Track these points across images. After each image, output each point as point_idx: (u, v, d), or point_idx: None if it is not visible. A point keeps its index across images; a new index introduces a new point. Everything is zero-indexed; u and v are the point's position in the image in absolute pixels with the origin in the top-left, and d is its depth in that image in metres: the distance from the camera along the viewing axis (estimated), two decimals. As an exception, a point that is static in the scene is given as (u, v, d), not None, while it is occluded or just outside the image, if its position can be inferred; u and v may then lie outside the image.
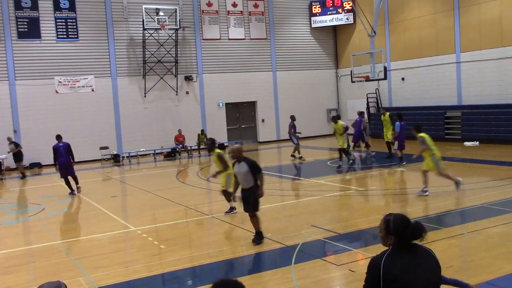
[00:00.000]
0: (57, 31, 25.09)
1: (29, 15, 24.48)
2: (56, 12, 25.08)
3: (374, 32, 25.15)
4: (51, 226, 11.87)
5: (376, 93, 29.27)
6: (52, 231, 11.33)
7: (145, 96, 27.09)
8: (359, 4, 26.79)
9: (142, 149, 26.57)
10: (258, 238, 9.16)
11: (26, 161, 23.78)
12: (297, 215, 11.47)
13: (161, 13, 26.42)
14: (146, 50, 26.67)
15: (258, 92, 30.14)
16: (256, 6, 30.04)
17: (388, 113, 20.31)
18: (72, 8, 25.36)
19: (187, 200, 13.95)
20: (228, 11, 29.28)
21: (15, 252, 9.93)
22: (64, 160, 16.05)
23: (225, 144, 24.96)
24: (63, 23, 25.24)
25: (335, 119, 19.22)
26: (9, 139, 21.91)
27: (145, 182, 18.04)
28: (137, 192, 16.34)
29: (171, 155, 26.12)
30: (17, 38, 24.24)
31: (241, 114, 30.23)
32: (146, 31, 26.39)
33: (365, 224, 10.14)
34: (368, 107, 29.32)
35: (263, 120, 30.39)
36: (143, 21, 26.01)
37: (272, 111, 30.52)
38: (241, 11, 29.61)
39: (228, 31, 29.26)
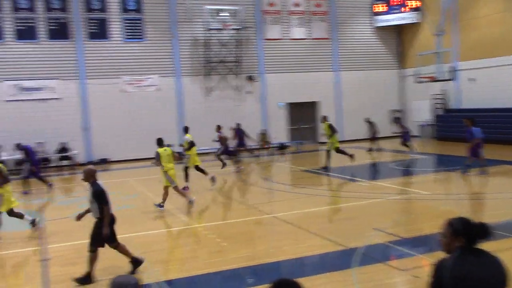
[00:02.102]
0: (124, 32, 25.96)
1: (98, 17, 25.47)
2: (124, 13, 25.96)
3: (442, 31, 24.33)
4: (117, 220, 12.24)
5: (442, 94, 28.31)
6: (117, 225, 11.68)
7: (207, 96, 27.51)
8: (425, 2, 26.02)
9: (202, 148, 26.97)
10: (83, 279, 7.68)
11: (95, 157, 24.84)
12: (359, 218, 11.27)
13: (223, 14, 26.76)
14: (208, 50, 27.10)
15: (320, 92, 29.89)
16: (318, 5, 29.80)
17: (328, 122, 19.05)
18: (138, 9, 26.15)
19: (248, 198, 14.03)
20: (290, 11, 29.22)
21: (83, 244, 10.31)
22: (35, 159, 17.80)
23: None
24: (130, 24, 26.08)
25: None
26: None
27: (206, 181, 18.28)
28: (199, 189, 16.58)
29: (232, 154, 26.32)
30: (88, 39, 25.27)
31: (303, 114, 30.08)
32: (208, 31, 26.82)
33: (430, 229, 9.81)
34: (434, 108, 28.41)
35: (324, 121, 30.07)
36: (206, 21, 26.45)
37: (334, 112, 30.19)
38: (303, 11, 29.47)
39: (289, 31, 29.21)
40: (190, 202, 12.91)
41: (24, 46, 24.32)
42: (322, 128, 18.87)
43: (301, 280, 3.02)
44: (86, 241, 10.65)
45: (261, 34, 28.53)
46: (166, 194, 12.92)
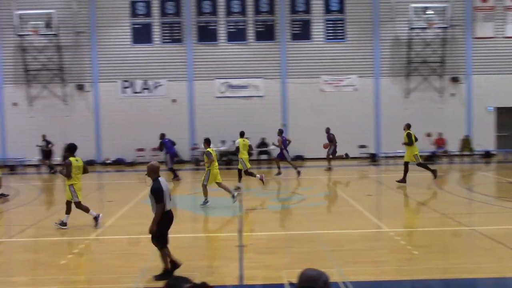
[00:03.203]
0: (326, 32, 26.47)
1: (302, 18, 26.40)
2: (326, 14, 26.46)
3: None
4: (309, 216, 12.57)
5: None
6: (309, 221, 11.99)
7: (406, 97, 26.58)
8: None
9: (400, 151, 26.09)
10: (162, 276, 7.60)
11: (291, 153, 25.80)
12: None
13: (429, 12, 25.52)
14: (410, 50, 26.14)
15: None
16: (541, -1, 26.55)
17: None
18: (341, 10, 26.41)
19: (445, 207, 13.19)
20: (506, 7, 26.56)
21: (276, 235, 10.83)
22: (173, 152, 19.69)
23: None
24: (332, 25, 26.48)
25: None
26: (43, 136, 23.75)
27: (401, 184, 17.71)
28: (392, 193, 16.16)
29: (430, 159, 25.05)
30: (290, 40, 26.39)
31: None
32: (412, 30, 25.86)
33: None
34: None
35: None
36: (409, 20, 25.56)
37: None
38: (522, 6, 26.55)
39: (504, 28, 26.57)
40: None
41: (234, 47, 26.44)
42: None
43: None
44: (280, 232, 11.19)
45: (470, 32, 26.49)
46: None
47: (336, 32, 26.50)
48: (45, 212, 13.93)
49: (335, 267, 8.19)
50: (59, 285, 7.53)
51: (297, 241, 10.28)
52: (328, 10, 26.45)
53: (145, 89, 26.34)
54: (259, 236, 10.54)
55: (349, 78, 26.49)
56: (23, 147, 25.06)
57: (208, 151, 13.64)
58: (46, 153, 23.30)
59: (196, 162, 25.29)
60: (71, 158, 11.43)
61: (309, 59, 26.48)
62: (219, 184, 13.88)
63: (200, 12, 26.29)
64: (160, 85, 26.28)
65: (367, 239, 10.39)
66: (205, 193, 13.80)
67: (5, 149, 26.02)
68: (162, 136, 20.03)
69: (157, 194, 7.53)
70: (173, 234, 11.04)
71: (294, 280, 3.40)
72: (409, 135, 17.33)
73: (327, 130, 22.57)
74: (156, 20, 26.25)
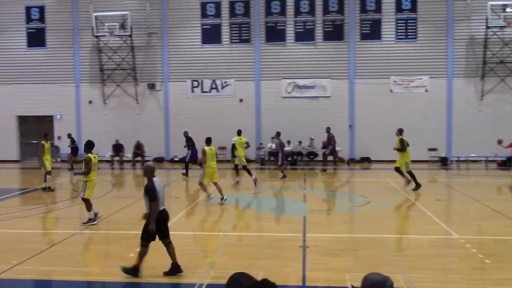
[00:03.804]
0: (396, 32, 25.82)
1: (372, 18, 25.89)
2: (398, 13, 25.79)
3: None
4: (374, 219, 12.31)
5: None
6: (374, 224, 11.74)
7: (481, 99, 25.44)
8: None
9: (472, 155, 25.06)
10: (131, 271, 7.79)
11: (357, 155, 25.53)
12: None
13: (508, 9, 24.29)
14: (487, 49, 24.99)
15: None
16: None
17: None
18: (413, 8, 25.66)
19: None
20: None
21: (340, 238, 10.68)
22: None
23: None
24: (403, 24, 25.79)
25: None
26: (68, 135, 24.20)
27: (473, 190, 17.00)
28: (463, 198, 15.53)
29: (506, 164, 23.86)
30: (359, 40, 25.96)
31: None
32: (488, 29, 24.73)
33: None
34: None
35: None
36: (486, 18, 24.45)
37: None
38: None
39: None
40: None
41: (302, 47, 26.36)
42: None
43: None
44: (344, 234, 11.04)
45: (553, 31, 24.97)
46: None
47: (407, 31, 25.79)
48: (116, 206, 14.48)
49: (401, 273, 7.96)
50: (127, 277, 7.80)
51: (362, 244, 10.09)
52: (399, 9, 25.78)
53: (213, 88, 26.79)
54: (323, 237, 10.44)
55: (420, 79, 25.69)
56: (96, 144, 26.11)
57: (203, 149, 14.17)
58: (73, 150, 24.06)
59: (262, 161, 25.48)
60: (90, 155, 11.60)
61: (378, 59, 25.93)
62: (215, 184, 14.26)
63: (268, 12, 26.41)
64: (228, 84, 26.64)
65: (435, 245, 10.04)
66: (204, 189, 14.31)
67: (81, 145, 27.28)
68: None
69: (150, 193, 7.75)
70: (237, 232, 11.19)
71: (358, 284, 3.33)
72: (401, 141, 16.56)
73: (328, 130, 22.67)
74: (225, 21, 26.63)
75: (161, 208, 7.92)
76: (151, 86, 27.02)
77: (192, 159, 20.74)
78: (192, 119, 26.50)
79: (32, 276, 8.14)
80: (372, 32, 25.93)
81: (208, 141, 14.49)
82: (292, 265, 8.41)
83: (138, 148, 25.47)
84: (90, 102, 27.41)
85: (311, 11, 26.17)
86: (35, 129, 27.31)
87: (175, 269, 7.89)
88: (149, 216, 7.76)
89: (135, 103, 27.16)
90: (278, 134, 20.53)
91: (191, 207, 14.07)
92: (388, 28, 25.92)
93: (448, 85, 25.61)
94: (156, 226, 7.74)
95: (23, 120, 28.16)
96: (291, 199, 15.67)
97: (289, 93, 26.34)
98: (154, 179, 8.02)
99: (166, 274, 7.85)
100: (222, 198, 13.96)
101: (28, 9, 27.50)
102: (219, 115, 26.52)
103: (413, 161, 24.66)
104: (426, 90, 25.69)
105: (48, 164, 16.75)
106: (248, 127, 26.24)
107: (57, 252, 9.45)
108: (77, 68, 27.55)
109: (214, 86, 26.77)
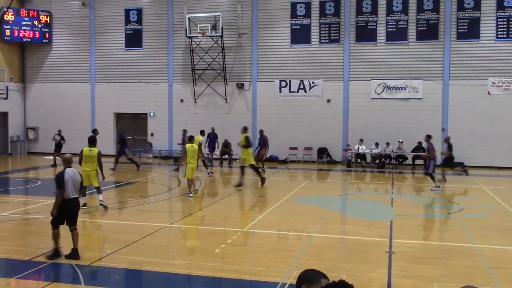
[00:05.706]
0: (497, 31, 24.34)
1: (470, 16, 24.58)
2: (499, 11, 24.30)
3: None
4: (467, 228, 11.68)
5: None
6: (467, 233, 11.14)
7: None
8: None
9: None
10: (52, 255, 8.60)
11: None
12: None
13: None
14: None
15: None
16: None
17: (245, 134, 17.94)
18: (516, 6, 24.08)
19: None
20: None
21: (429, 245, 10.25)
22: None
23: None
24: (505, 22, 24.26)
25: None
26: (59, 131, 24.17)
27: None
28: None
29: None
30: (455, 39, 24.75)
31: None
32: None
33: None
34: None
35: None
36: None
37: None
38: None
39: None
40: None
41: (393, 47, 25.58)
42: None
43: None
44: (433, 242, 10.57)
45: None
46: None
47: (509, 29, 24.22)
48: (203, 202, 14.88)
49: (495, 286, 7.49)
50: (211, 271, 7.97)
51: (453, 253, 9.62)
52: (501, 6, 24.27)
53: (300, 88, 26.73)
54: (410, 244, 10.07)
55: (522, 80, 24.05)
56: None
57: (185, 146, 15.84)
58: (58, 146, 23.93)
59: (348, 163, 25.06)
60: (85, 148, 13.15)
61: (476, 59, 24.57)
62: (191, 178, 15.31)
63: (359, 12, 25.90)
64: (316, 85, 26.45)
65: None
66: (189, 185, 15.28)
67: (172, 142, 28.36)
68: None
69: (57, 181, 8.54)
70: (320, 234, 11.06)
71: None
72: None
73: (427, 138, 18.24)
74: (315, 21, 26.47)
75: (71, 196, 8.61)
76: (240, 86, 27.47)
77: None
78: (279, 119, 26.62)
79: (123, 265, 8.55)
80: (470, 31, 24.61)
81: (191, 138, 16.00)
82: (377, 271, 8.19)
83: (226, 147, 26.03)
84: (182, 100, 28.37)
85: (404, 10, 25.33)
86: (129, 126, 28.83)
87: (73, 254, 8.51)
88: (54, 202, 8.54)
89: (224, 102, 27.75)
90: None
91: (276, 206, 14.13)
92: (488, 26, 24.47)
93: (554, 87, 23.75)
94: (65, 212, 8.51)
95: (119, 117, 29.73)
96: (376, 203, 15.28)
97: (378, 94, 25.67)
98: (67, 169, 8.70)
99: (67, 257, 8.49)
100: (192, 191, 15.21)
101: (127, 11, 28.98)
102: (306, 115, 26.42)
103: (506, 168, 23.32)
104: (529, 93, 24.00)
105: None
106: (334, 128, 25.97)
107: (148, 243, 9.85)
108: (170, 67, 28.62)
109: (302, 86, 26.70)
